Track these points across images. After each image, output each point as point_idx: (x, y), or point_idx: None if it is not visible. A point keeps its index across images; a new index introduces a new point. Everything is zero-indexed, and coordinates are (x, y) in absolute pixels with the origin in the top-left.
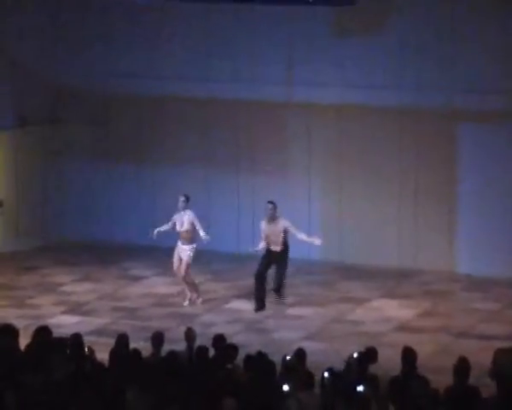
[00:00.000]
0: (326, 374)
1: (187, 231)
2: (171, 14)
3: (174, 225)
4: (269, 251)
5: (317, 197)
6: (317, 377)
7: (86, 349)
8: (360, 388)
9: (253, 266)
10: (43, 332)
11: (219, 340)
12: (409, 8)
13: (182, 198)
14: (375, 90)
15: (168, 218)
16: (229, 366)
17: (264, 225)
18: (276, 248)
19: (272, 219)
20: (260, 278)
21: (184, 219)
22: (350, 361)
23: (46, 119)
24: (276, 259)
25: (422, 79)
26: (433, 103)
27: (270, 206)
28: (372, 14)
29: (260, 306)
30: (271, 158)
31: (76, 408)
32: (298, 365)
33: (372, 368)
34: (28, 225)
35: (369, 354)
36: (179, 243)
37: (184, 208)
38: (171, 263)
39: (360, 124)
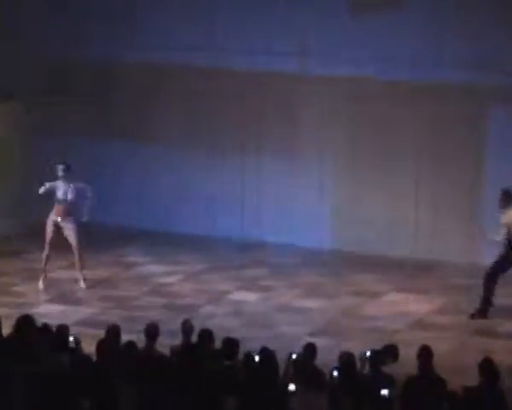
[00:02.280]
0: (335, 373)
1: (71, 203)
2: None
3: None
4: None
5: (329, 183)
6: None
7: (72, 339)
8: (385, 391)
9: (259, 254)
10: (26, 322)
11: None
12: None
13: (61, 166)
14: (394, 66)
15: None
16: (228, 362)
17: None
18: None
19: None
20: (494, 276)
21: (68, 191)
22: (362, 359)
23: (34, 93)
24: None
25: (445, 56)
26: (456, 82)
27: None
28: None
29: (486, 311)
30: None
31: (61, 403)
32: (306, 362)
33: (385, 367)
34: (11, 206)
35: (390, 352)
36: (56, 217)
37: (64, 179)
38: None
39: (377, 104)
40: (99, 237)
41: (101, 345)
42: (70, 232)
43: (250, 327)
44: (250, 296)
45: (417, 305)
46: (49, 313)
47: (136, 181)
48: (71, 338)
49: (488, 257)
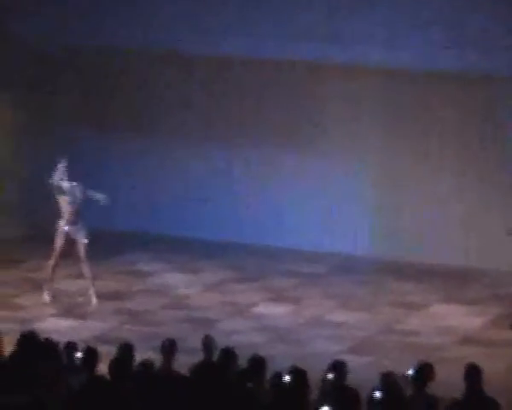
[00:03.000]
0: (377, 394)
1: (80, 204)
2: None
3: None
4: None
5: (367, 186)
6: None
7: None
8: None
9: (287, 262)
10: (29, 339)
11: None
12: None
13: (64, 162)
14: (426, 51)
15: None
16: (250, 384)
17: None
18: None
19: None
20: None
21: (76, 190)
22: (404, 379)
23: (24, 84)
24: None
25: (485, 39)
26: (500, 67)
27: None
28: None
29: None
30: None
31: None
32: (338, 382)
33: (430, 387)
34: (9, 208)
35: (424, 372)
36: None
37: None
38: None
39: (413, 95)
40: (107, 244)
41: (113, 365)
42: (80, 241)
43: (278, 344)
44: (278, 309)
45: (465, 318)
46: (55, 328)
47: (144, 182)
48: (78, 354)
49: None
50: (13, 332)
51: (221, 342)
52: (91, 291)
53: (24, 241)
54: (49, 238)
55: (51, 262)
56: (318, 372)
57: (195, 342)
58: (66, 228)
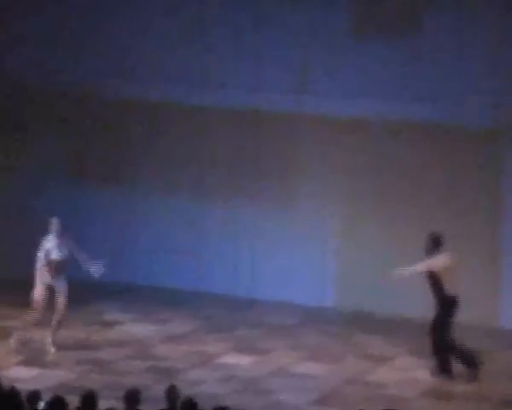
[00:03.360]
0: None
1: (66, 260)
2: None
3: (47, 252)
4: None
5: (331, 234)
6: None
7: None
8: None
9: (253, 313)
10: None
11: None
12: (444, 7)
13: (57, 219)
14: (400, 102)
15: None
16: None
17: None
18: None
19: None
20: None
21: (61, 246)
22: None
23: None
24: None
25: (460, 91)
26: (471, 119)
27: None
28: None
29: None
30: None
31: None
32: None
33: None
34: None
35: None
36: (49, 277)
37: (56, 233)
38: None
39: (385, 144)
40: (75, 293)
41: None
42: (61, 292)
43: (243, 394)
44: (243, 360)
45: (428, 370)
46: (19, 377)
47: (114, 231)
48: (41, 404)
49: (509, 321)
50: None
51: (185, 391)
52: (50, 340)
53: None
54: (14, 286)
55: (33, 316)
56: None
57: (159, 391)
58: (47, 280)
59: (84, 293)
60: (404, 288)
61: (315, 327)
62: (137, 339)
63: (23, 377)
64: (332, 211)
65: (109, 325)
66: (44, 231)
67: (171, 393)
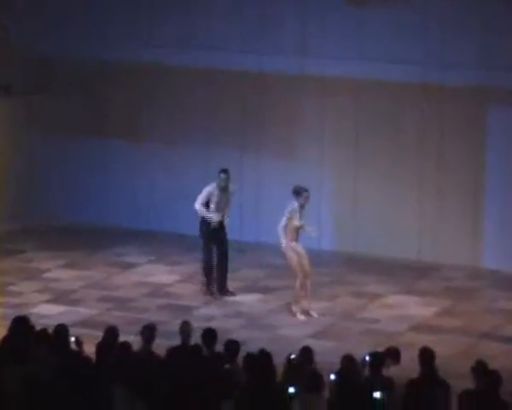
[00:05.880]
0: (332, 376)
1: None
2: None
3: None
4: None
5: (330, 181)
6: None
7: (73, 340)
8: (377, 394)
9: (258, 255)
10: (21, 323)
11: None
12: None
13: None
14: (394, 65)
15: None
16: (228, 365)
17: None
18: None
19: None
20: None
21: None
22: (362, 362)
23: (32, 89)
24: None
25: (448, 55)
26: (459, 81)
27: None
28: None
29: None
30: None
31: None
32: (304, 365)
33: (387, 370)
34: (9, 204)
35: (391, 355)
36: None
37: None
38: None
39: (379, 103)
40: (95, 237)
41: (100, 347)
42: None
43: (249, 329)
44: (249, 298)
45: (420, 308)
46: (46, 313)
47: (131, 179)
48: (72, 339)
49: (490, 261)
50: (8, 316)
51: (197, 327)
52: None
53: (23, 233)
54: (44, 232)
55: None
56: (285, 355)
57: (174, 327)
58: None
59: (107, 238)
60: (399, 230)
61: (313, 268)
62: (154, 280)
63: (50, 313)
64: (328, 158)
65: (127, 266)
66: None
67: (185, 328)
